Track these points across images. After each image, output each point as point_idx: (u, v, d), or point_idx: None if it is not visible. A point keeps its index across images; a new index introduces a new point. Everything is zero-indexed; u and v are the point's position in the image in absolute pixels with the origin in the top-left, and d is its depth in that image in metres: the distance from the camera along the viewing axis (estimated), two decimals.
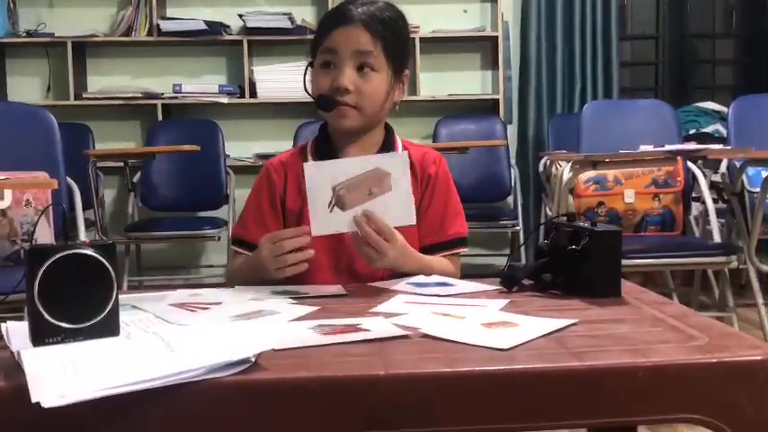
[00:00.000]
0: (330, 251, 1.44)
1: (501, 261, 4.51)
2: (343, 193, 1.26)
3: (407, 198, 1.27)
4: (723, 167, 3.10)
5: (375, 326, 0.98)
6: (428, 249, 1.47)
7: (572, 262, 1.18)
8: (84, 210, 2.98)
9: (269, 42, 4.45)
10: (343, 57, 1.42)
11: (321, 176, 1.27)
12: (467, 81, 4.67)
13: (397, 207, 1.27)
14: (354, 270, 1.43)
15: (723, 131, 4.08)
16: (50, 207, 2.38)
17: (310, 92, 1.48)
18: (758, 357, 0.83)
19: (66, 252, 0.89)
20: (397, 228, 1.32)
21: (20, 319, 1.00)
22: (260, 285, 1.32)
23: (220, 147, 4.18)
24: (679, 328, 0.95)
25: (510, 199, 4.48)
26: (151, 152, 3.92)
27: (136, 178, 4.17)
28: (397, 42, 1.47)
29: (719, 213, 3.15)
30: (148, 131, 4.33)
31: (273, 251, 1.30)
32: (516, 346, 0.88)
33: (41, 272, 0.87)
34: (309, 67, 1.49)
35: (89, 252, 0.90)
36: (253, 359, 0.82)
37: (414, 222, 1.31)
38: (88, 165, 3.62)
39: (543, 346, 0.89)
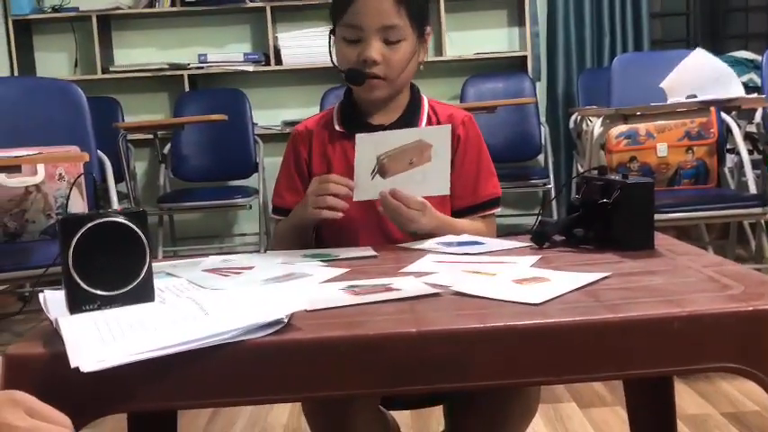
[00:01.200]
0: (365, 214, 1.44)
1: (533, 220, 4.48)
2: (386, 161, 1.32)
3: (445, 169, 1.34)
4: (758, 117, 3.03)
5: (406, 285, 0.98)
6: (462, 212, 1.46)
7: (604, 215, 1.16)
8: (116, 182, 3.02)
9: (292, 8, 4.42)
10: (368, 32, 1.39)
11: (369, 146, 1.33)
12: (493, 39, 4.60)
13: (433, 177, 1.33)
14: (388, 232, 1.43)
15: (758, 81, 3.98)
16: (83, 179, 2.41)
17: (336, 63, 1.46)
18: None
19: (99, 221, 0.90)
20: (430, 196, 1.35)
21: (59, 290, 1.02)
22: (295, 238, 1.37)
23: (248, 115, 4.19)
24: (713, 278, 0.94)
25: (541, 157, 4.44)
26: (180, 123, 3.94)
27: (166, 150, 4.20)
28: (419, 4, 1.44)
29: (755, 164, 3.09)
30: (176, 103, 4.35)
31: (317, 190, 1.35)
32: (548, 301, 0.88)
33: (75, 241, 0.89)
34: (332, 35, 1.47)
35: (121, 220, 0.91)
36: (285, 320, 0.83)
37: (448, 193, 1.36)
38: (118, 138, 3.65)
39: (576, 300, 0.89)
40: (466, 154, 1.49)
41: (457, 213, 1.47)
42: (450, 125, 1.37)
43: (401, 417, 1.44)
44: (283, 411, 2.29)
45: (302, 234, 1.44)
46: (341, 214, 1.34)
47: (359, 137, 1.34)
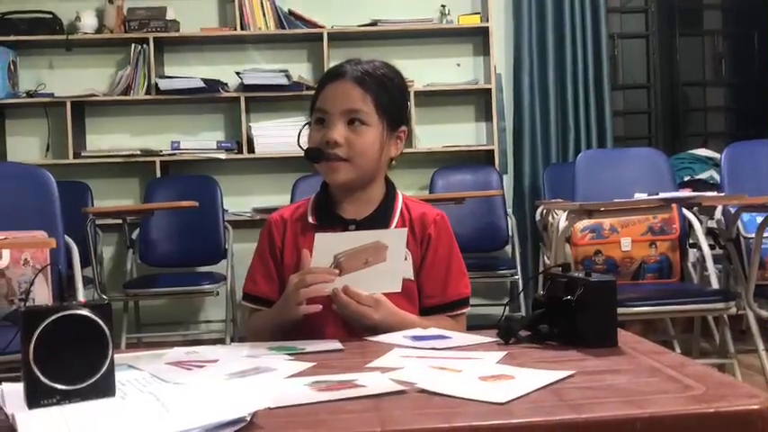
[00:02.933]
0: (329, 307, 1.44)
1: (500, 311, 4.48)
2: (343, 260, 1.35)
3: (398, 269, 1.37)
4: (718, 213, 3.11)
5: (371, 381, 0.98)
6: (430, 311, 1.48)
7: (568, 312, 1.18)
8: (82, 267, 2.98)
9: (266, 99, 4.51)
10: (332, 113, 1.45)
11: (327, 245, 1.36)
12: (462, 133, 4.72)
13: (386, 276, 1.36)
14: (352, 326, 1.43)
15: (717, 177, 4.11)
16: (48, 267, 2.38)
17: (302, 146, 1.50)
18: (755, 407, 0.83)
19: (61, 313, 0.89)
20: (394, 293, 1.37)
21: (17, 379, 1.00)
22: (277, 333, 1.38)
23: (219, 202, 4.20)
24: (676, 378, 0.95)
25: (508, 248, 4.49)
26: (150, 209, 3.93)
27: (134, 235, 4.18)
28: (390, 98, 1.48)
29: (716, 259, 3.15)
30: (147, 188, 4.35)
31: (298, 284, 1.34)
32: (513, 400, 0.88)
33: (36, 334, 0.88)
34: (308, 125, 1.52)
35: (84, 313, 0.90)
36: (248, 418, 0.82)
37: (398, 290, 1.37)
38: (87, 222, 3.63)
39: (540, 399, 0.89)
40: (436, 253, 1.50)
41: (425, 312, 1.47)
42: (405, 229, 1.40)
43: None
44: None
45: (286, 330, 1.42)
46: (320, 307, 1.35)
47: (318, 236, 1.36)
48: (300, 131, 1.53)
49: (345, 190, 1.50)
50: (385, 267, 1.35)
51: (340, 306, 1.35)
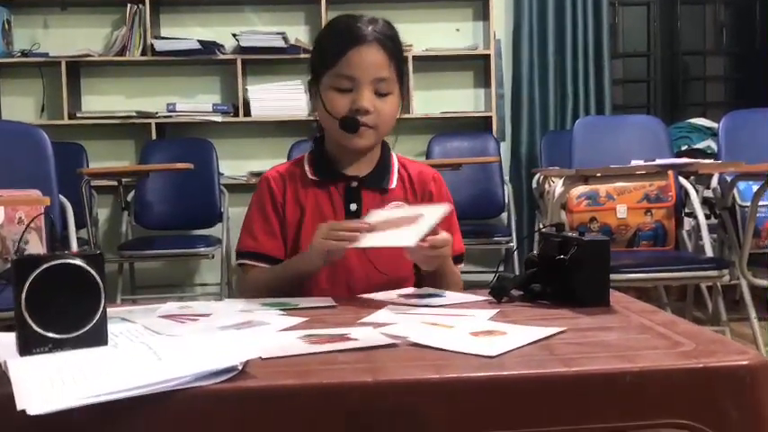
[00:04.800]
0: (328, 266, 1.44)
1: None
2: (380, 226, 1.33)
3: (421, 231, 1.30)
4: (714, 182, 3.11)
5: (363, 335, 0.98)
6: None
7: (561, 272, 1.18)
8: (77, 229, 2.98)
9: (263, 61, 4.47)
10: (362, 83, 1.42)
11: (375, 217, 1.36)
12: (460, 99, 4.69)
13: (407, 233, 1.31)
14: (351, 285, 1.43)
15: (715, 147, 4.10)
16: (42, 223, 2.38)
17: (330, 112, 1.43)
18: (744, 362, 0.83)
19: (54, 262, 0.89)
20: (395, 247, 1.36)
21: (11, 330, 1.00)
22: (281, 288, 1.37)
23: (214, 165, 4.19)
24: (666, 335, 0.96)
25: (504, 215, 4.49)
26: (145, 170, 3.92)
27: (130, 197, 4.17)
28: (401, 60, 1.49)
29: (711, 228, 3.16)
30: (142, 150, 4.33)
31: (327, 234, 1.32)
32: (504, 353, 0.89)
33: (28, 282, 0.88)
34: (313, 84, 1.48)
35: (76, 262, 0.90)
36: (240, 367, 0.82)
37: (412, 245, 1.31)
38: (82, 184, 3.62)
39: (531, 353, 0.90)
40: None
41: None
42: (448, 207, 1.37)
43: None
44: None
45: (298, 283, 1.42)
46: (344, 252, 1.35)
47: (371, 212, 1.37)
48: (309, 91, 1.51)
49: (356, 153, 1.49)
50: (411, 228, 1.33)
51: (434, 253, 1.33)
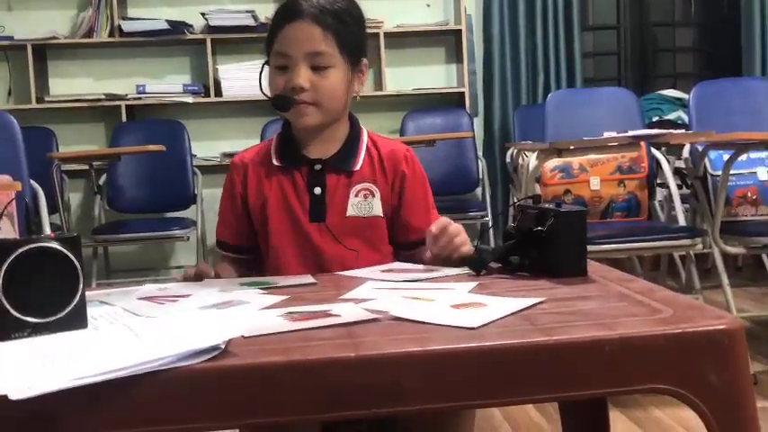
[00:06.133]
0: (298, 249, 1.44)
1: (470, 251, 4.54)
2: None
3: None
4: (686, 153, 3.14)
5: (344, 311, 0.98)
6: (418, 244, 1.46)
7: (538, 243, 1.19)
8: (50, 214, 2.95)
9: (232, 41, 4.43)
10: (295, 59, 1.38)
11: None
12: (432, 75, 4.68)
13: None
14: (321, 265, 1.43)
15: (685, 118, 4.14)
16: (14, 209, 2.34)
17: (267, 93, 1.45)
18: (721, 326, 0.85)
19: (30, 246, 0.88)
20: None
21: None
22: None
23: (186, 147, 4.15)
24: (644, 303, 0.97)
25: (478, 191, 4.51)
26: (116, 153, 3.88)
27: (102, 181, 4.13)
28: (350, 33, 1.43)
29: (684, 198, 3.20)
30: (113, 134, 4.29)
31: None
32: (485, 325, 0.89)
33: (5, 266, 0.86)
34: (266, 65, 1.45)
35: (53, 245, 0.89)
36: (222, 346, 0.82)
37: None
38: (52, 168, 3.57)
39: (512, 324, 0.90)
40: (415, 189, 1.49)
41: (413, 246, 1.47)
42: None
43: None
44: None
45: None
46: None
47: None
48: (261, 73, 1.46)
49: (312, 132, 1.48)
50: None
51: (447, 241, 1.33)
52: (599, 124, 3.14)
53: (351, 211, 1.45)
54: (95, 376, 0.74)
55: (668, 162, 3.18)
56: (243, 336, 0.87)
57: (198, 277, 1.34)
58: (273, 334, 0.89)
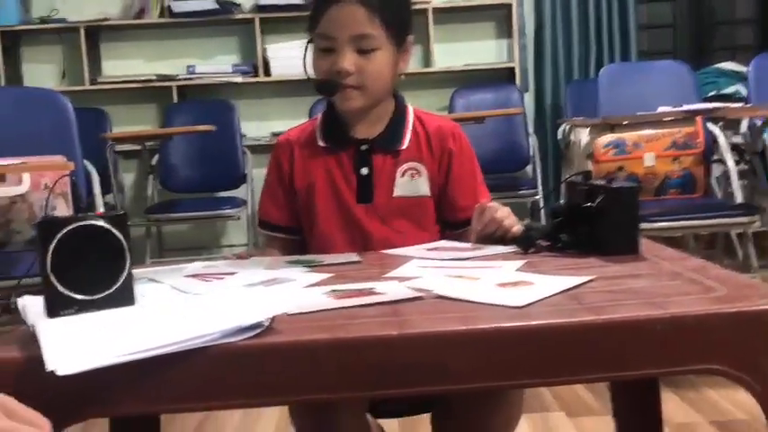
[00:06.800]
0: (345, 231, 1.43)
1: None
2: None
3: None
4: (744, 127, 3.05)
5: (389, 289, 0.98)
6: (465, 223, 1.42)
7: (588, 220, 1.16)
8: (104, 194, 3.01)
9: (281, 19, 4.42)
10: (341, 42, 1.36)
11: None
12: (481, 51, 4.62)
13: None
14: (368, 247, 1.42)
15: (743, 92, 4.01)
16: (69, 190, 2.39)
17: (311, 74, 1.42)
18: None
19: (77, 224, 0.89)
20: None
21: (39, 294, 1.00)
22: None
23: (236, 126, 4.19)
24: (697, 281, 0.94)
25: (529, 168, 4.45)
26: (168, 133, 3.93)
27: (154, 161, 4.19)
28: (396, 13, 1.40)
29: (741, 174, 3.10)
30: (164, 114, 4.34)
31: None
32: (531, 304, 0.88)
33: (53, 244, 0.88)
34: (310, 44, 1.43)
35: (100, 223, 0.90)
36: (266, 323, 0.82)
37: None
38: (106, 149, 3.64)
39: (559, 303, 0.88)
40: (462, 166, 1.47)
41: (461, 224, 1.44)
42: None
43: (389, 426, 1.43)
44: (271, 420, 2.27)
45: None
46: None
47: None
48: (305, 53, 1.44)
49: (357, 114, 1.46)
50: None
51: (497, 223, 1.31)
52: (653, 99, 3.07)
53: (398, 192, 1.43)
54: (141, 352, 0.75)
55: (725, 137, 3.08)
56: (287, 313, 0.87)
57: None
58: (318, 312, 0.89)
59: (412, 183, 1.44)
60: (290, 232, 1.49)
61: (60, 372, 0.72)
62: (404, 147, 1.45)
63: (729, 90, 4.28)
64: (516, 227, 1.30)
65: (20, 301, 0.97)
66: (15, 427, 0.62)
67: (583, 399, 2.29)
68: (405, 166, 1.44)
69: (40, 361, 0.74)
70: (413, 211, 1.44)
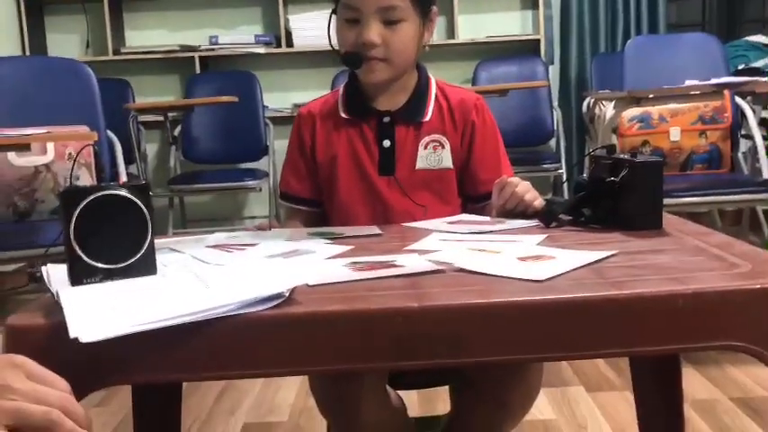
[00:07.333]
0: (366, 203, 1.43)
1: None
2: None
3: None
4: None
5: (409, 262, 0.98)
6: (487, 196, 1.41)
7: (612, 195, 1.15)
8: (127, 165, 3.03)
9: None
10: (366, 13, 1.34)
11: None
12: (506, 22, 4.57)
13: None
14: (389, 219, 1.42)
15: None
16: (93, 160, 2.41)
17: (335, 45, 1.41)
18: None
19: (100, 193, 0.89)
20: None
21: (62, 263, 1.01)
22: None
23: (258, 98, 4.19)
24: (721, 257, 0.93)
25: (552, 142, 4.41)
26: (190, 104, 3.94)
27: (176, 132, 4.21)
28: None
29: None
30: (187, 84, 4.35)
31: None
32: (553, 278, 0.87)
33: (76, 213, 0.88)
34: (334, 14, 1.42)
35: (122, 193, 0.90)
36: (286, 294, 0.82)
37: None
38: (129, 119, 3.66)
39: (581, 277, 0.88)
40: (485, 139, 1.46)
41: (482, 198, 1.43)
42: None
43: (408, 397, 1.43)
44: (291, 390, 2.30)
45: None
46: None
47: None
48: (329, 23, 1.43)
49: (381, 85, 1.45)
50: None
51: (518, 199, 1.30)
52: (681, 72, 3.01)
53: (420, 164, 1.43)
54: (162, 321, 0.76)
55: (753, 112, 3.03)
56: (307, 284, 0.87)
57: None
58: (338, 283, 0.89)
59: (435, 155, 1.43)
60: (312, 204, 1.49)
61: (83, 339, 0.72)
62: (426, 119, 1.44)
63: (759, 63, 4.20)
64: (538, 201, 1.30)
65: (44, 269, 0.98)
66: (37, 389, 0.63)
67: (603, 374, 2.29)
68: (427, 139, 1.43)
69: (63, 328, 0.75)
70: (435, 184, 1.43)
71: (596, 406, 2.09)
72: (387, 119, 1.43)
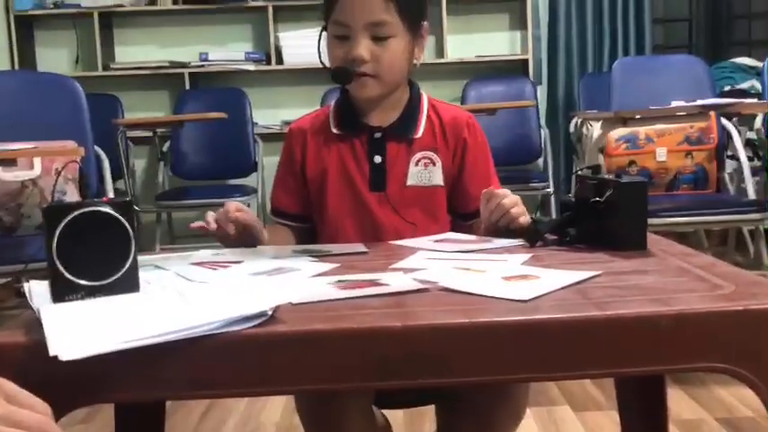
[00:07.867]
0: (356, 219, 1.43)
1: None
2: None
3: None
4: (758, 123, 3.02)
5: (394, 280, 0.97)
6: (477, 214, 1.39)
7: (597, 215, 1.16)
8: (115, 180, 3.02)
9: (293, 7, 4.42)
10: (355, 29, 1.34)
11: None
12: (495, 42, 4.60)
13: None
14: (379, 236, 1.42)
15: (759, 87, 3.97)
16: (77, 176, 2.40)
17: (326, 62, 1.41)
18: None
19: (83, 210, 0.89)
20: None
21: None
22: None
23: (248, 114, 4.19)
24: (704, 278, 0.93)
25: (540, 161, 4.43)
26: (179, 120, 3.93)
27: (165, 147, 4.20)
28: (414, 1, 1.39)
29: (755, 171, 3.08)
30: (176, 101, 4.35)
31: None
32: (537, 298, 0.87)
33: (59, 230, 0.88)
34: (324, 31, 1.42)
35: (105, 210, 0.90)
36: (270, 312, 0.82)
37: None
38: (118, 135, 3.65)
39: (565, 297, 0.88)
40: (477, 158, 1.46)
41: (471, 215, 1.43)
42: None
43: (394, 416, 1.43)
44: (276, 409, 2.28)
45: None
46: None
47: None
48: (320, 40, 1.42)
49: (372, 101, 1.45)
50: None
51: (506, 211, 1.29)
52: (667, 93, 3.04)
53: (411, 181, 1.43)
54: (144, 339, 0.75)
55: (739, 133, 3.06)
56: (291, 303, 0.87)
57: (239, 232, 1.32)
58: (322, 302, 0.89)
59: (426, 172, 1.43)
60: (302, 220, 1.49)
61: (63, 357, 0.72)
62: (418, 135, 1.44)
63: (745, 85, 4.24)
64: (523, 217, 1.30)
65: (26, 286, 0.98)
66: (15, 412, 0.63)
67: (589, 393, 2.29)
68: (418, 155, 1.43)
69: (43, 346, 0.74)
70: (425, 201, 1.43)
71: (582, 426, 2.08)
72: (378, 135, 1.43)
